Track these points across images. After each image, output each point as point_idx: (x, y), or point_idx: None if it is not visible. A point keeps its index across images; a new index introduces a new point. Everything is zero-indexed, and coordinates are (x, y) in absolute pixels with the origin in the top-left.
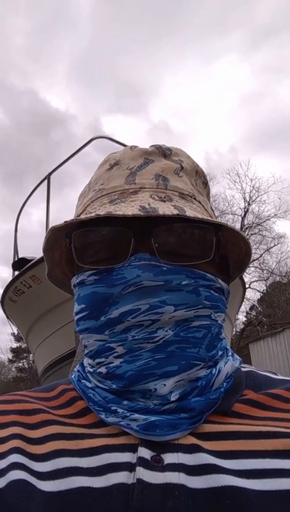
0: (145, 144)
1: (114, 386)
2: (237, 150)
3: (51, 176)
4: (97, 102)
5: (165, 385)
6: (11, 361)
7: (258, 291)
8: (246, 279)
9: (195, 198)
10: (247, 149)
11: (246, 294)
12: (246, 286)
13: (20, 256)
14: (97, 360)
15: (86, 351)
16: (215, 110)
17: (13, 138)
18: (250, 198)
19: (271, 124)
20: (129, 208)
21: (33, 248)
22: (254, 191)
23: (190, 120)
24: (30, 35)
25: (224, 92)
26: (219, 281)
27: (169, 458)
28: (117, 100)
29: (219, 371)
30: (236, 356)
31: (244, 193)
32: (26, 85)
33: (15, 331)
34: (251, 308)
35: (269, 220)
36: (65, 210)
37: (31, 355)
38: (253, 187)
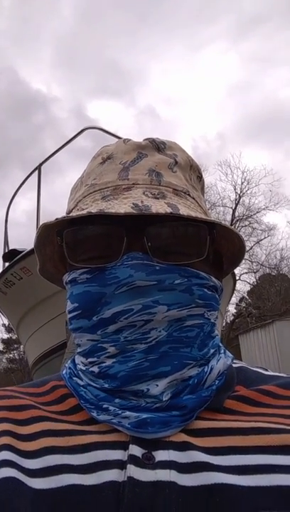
0: (132, 130)
1: (106, 385)
2: (225, 138)
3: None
4: (81, 85)
5: (157, 385)
6: (1, 352)
7: (248, 283)
8: (236, 271)
9: (189, 194)
10: (236, 140)
11: (237, 285)
12: (237, 278)
13: (11, 247)
14: (90, 360)
15: (79, 350)
16: (203, 99)
17: None
18: (241, 190)
19: (259, 114)
20: (122, 206)
21: (19, 238)
22: (245, 183)
23: (178, 108)
24: (9, 12)
25: (212, 81)
26: (213, 279)
27: (160, 455)
28: (102, 84)
29: (211, 369)
30: (228, 353)
31: (235, 185)
32: (4, 63)
33: (6, 322)
34: (241, 300)
35: (259, 212)
36: (50, 198)
37: (22, 346)
38: (244, 179)
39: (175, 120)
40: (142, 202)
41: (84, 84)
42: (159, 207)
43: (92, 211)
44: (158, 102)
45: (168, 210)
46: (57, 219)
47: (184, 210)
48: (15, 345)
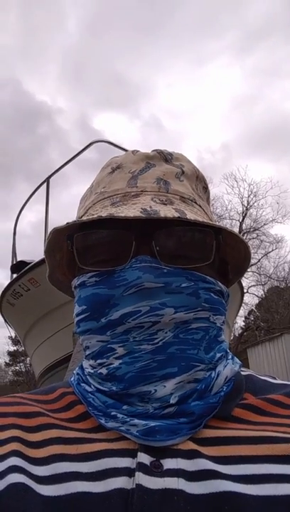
0: (137, 142)
1: (114, 388)
2: (230, 151)
3: (44, 179)
4: (86, 98)
5: (165, 386)
6: (7, 365)
7: (256, 295)
8: (244, 284)
9: (195, 202)
10: (240, 153)
11: (244, 298)
12: (244, 290)
13: (18, 259)
14: (99, 361)
15: (87, 352)
16: (207, 113)
17: None
18: (248, 202)
19: (263, 127)
20: (131, 211)
21: (25, 250)
22: (252, 196)
23: (182, 121)
24: (14, 25)
25: (216, 95)
26: (219, 283)
27: (168, 463)
28: (107, 97)
29: (218, 374)
30: (236, 360)
31: (242, 198)
32: (8, 75)
33: (13, 335)
34: (250, 313)
35: (266, 224)
36: (56, 210)
37: (28, 358)
38: (251, 191)
39: (179, 133)
40: (150, 207)
41: (89, 97)
42: (167, 212)
43: (102, 215)
44: (162, 114)
45: (176, 214)
46: (68, 223)
47: (191, 216)
48: (22, 358)
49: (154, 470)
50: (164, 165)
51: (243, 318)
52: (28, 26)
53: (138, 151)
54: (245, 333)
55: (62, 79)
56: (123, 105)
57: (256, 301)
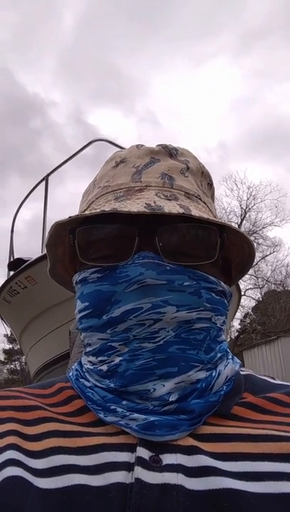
0: (134, 138)
1: (112, 385)
2: (228, 152)
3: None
4: (80, 93)
5: (164, 385)
6: (2, 363)
7: (253, 298)
8: (241, 287)
9: (200, 199)
10: (238, 154)
11: (241, 301)
12: (242, 293)
13: (16, 256)
14: (100, 359)
15: (88, 349)
16: (205, 113)
17: None
18: (247, 205)
19: (261, 128)
20: (135, 205)
21: (18, 247)
22: (251, 199)
23: (179, 120)
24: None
25: (214, 96)
26: (222, 283)
27: (168, 458)
28: (103, 92)
29: (219, 374)
30: (236, 359)
31: (241, 201)
32: (4, 70)
33: (9, 332)
34: (246, 315)
35: (265, 227)
36: (51, 207)
37: (24, 356)
38: (250, 194)
39: (176, 131)
40: (155, 202)
41: (84, 91)
42: (172, 207)
43: (106, 210)
44: (159, 111)
45: (181, 210)
46: (70, 217)
47: (196, 212)
48: (17, 356)
49: (153, 465)
50: (169, 160)
51: (239, 321)
52: (21, 17)
53: (142, 145)
54: (241, 336)
55: (57, 72)
56: (118, 101)
57: (253, 304)
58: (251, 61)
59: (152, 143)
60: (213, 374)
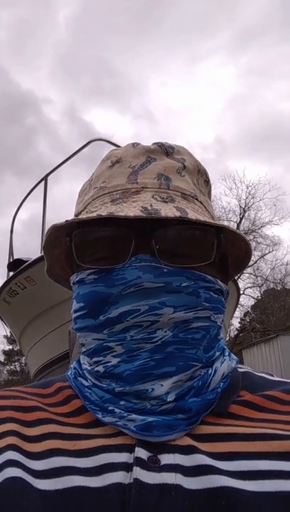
0: (130, 137)
1: (111, 386)
2: (225, 150)
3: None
4: (75, 90)
5: (162, 385)
6: (2, 364)
7: (252, 297)
8: (240, 285)
9: (196, 199)
10: (235, 153)
11: (240, 300)
12: (241, 292)
13: (15, 257)
14: (95, 359)
15: (83, 349)
16: (201, 111)
17: None
18: (246, 204)
19: (258, 127)
20: (131, 209)
21: (16, 247)
22: (250, 198)
23: (175, 118)
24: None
25: (210, 95)
26: (219, 282)
27: (166, 459)
28: (98, 88)
29: (215, 371)
30: (233, 356)
31: (240, 200)
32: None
33: (8, 333)
34: (245, 314)
35: (264, 226)
36: (48, 204)
37: (23, 357)
38: (249, 193)
39: (172, 129)
40: (151, 205)
41: (79, 88)
42: (168, 210)
43: (102, 214)
44: (155, 110)
45: (177, 213)
46: (67, 221)
47: (192, 214)
48: (17, 357)
49: (151, 465)
50: (165, 159)
51: (238, 320)
52: (16, 14)
53: (138, 143)
54: (241, 335)
55: (51, 69)
56: (114, 98)
57: (252, 302)
58: (247, 59)
59: (148, 140)
60: (209, 371)
